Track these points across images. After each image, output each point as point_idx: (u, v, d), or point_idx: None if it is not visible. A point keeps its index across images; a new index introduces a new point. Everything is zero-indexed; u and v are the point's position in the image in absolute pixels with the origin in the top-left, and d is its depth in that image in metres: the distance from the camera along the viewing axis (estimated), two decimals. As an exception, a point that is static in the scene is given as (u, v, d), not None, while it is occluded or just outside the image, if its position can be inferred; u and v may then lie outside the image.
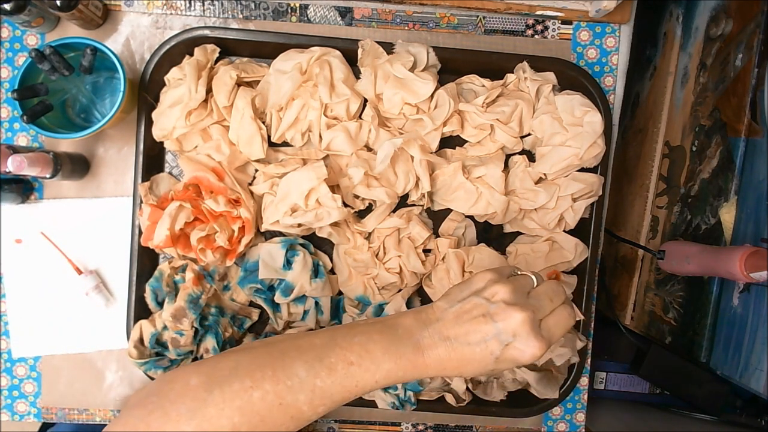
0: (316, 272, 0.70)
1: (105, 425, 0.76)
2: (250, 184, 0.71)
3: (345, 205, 0.69)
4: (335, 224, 0.69)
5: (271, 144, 0.70)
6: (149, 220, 0.67)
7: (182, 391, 0.47)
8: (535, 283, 0.51)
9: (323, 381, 0.47)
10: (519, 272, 0.53)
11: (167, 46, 0.69)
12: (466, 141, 0.72)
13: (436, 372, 0.49)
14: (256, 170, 0.71)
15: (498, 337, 0.47)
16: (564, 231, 0.72)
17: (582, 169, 0.72)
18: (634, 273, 1.06)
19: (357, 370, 0.48)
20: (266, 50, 0.70)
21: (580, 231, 0.72)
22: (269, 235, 0.72)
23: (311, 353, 0.48)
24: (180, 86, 0.67)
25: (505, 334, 0.47)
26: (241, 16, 0.74)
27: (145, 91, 0.69)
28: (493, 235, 0.75)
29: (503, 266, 0.55)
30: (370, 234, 0.71)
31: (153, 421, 0.45)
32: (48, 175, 0.66)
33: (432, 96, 0.68)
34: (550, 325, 0.49)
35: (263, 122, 0.69)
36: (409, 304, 0.71)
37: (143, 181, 0.70)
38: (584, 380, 0.79)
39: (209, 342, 0.68)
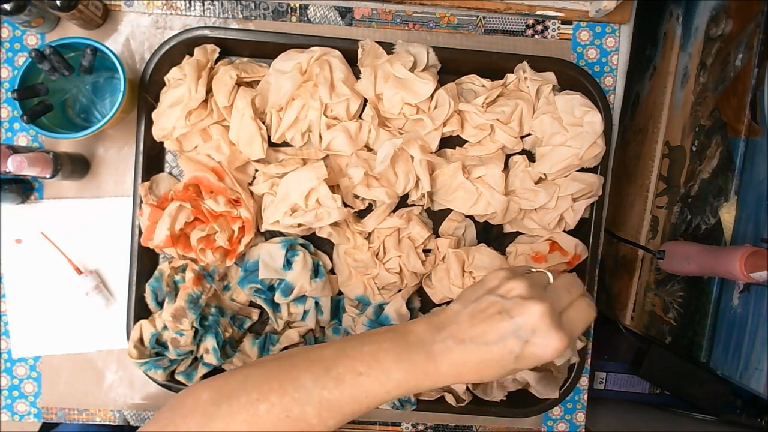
0: (316, 272, 0.70)
1: (105, 425, 0.77)
2: (250, 184, 0.71)
3: (345, 205, 0.69)
4: (335, 224, 0.69)
5: (271, 144, 0.70)
6: (149, 220, 0.67)
7: (193, 405, 0.47)
8: (551, 279, 0.49)
9: (330, 392, 0.46)
10: (534, 270, 0.51)
11: (167, 46, 0.69)
12: (466, 141, 0.72)
13: (453, 379, 0.47)
14: (256, 170, 0.71)
15: (516, 334, 0.45)
16: (564, 231, 0.72)
17: (582, 169, 0.72)
18: (634, 273, 1.06)
19: (366, 380, 0.46)
20: (266, 50, 0.70)
21: (580, 231, 0.72)
22: (269, 235, 0.72)
23: (320, 364, 0.47)
24: (180, 86, 0.67)
25: (524, 329, 0.45)
26: (241, 16, 0.74)
27: (145, 91, 0.69)
28: (493, 235, 0.75)
29: (517, 266, 0.54)
30: (370, 234, 0.71)
31: None
32: (48, 175, 0.66)
33: (432, 96, 0.68)
34: (570, 317, 0.47)
35: (263, 122, 0.69)
36: (409, 304, 0.71)
37: (143, 181, 0.70)
38: (584, 380, 0.79)
39: (209, 342, 0.68)
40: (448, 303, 0.74)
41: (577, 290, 0.49)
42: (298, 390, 0.46)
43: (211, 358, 0.68)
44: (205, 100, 0.67)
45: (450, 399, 0.72)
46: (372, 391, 0.46)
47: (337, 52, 0.69)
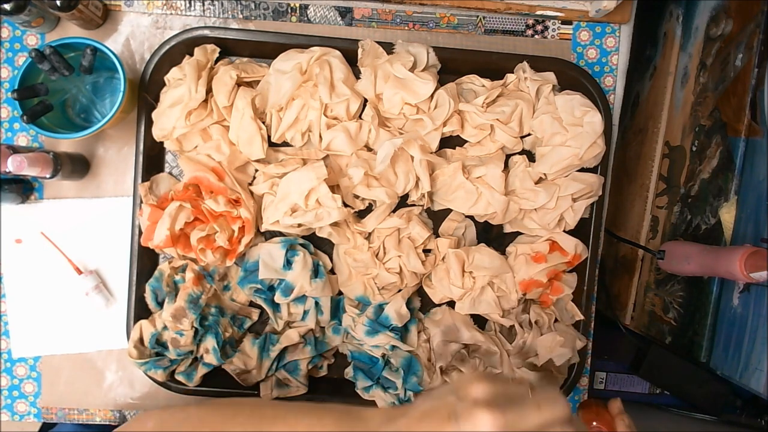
0: (316, 272, 0.70)
1: (105, 425, 0.77)
2: (250, 184, 0.71)
3: (345, 205, 0.69)
4: (335, 224, 0.69)
5: (271, 144, 0.70)
6: (149, 220, 0.67)
7: None
8: (530, 394, 0.41)
9: None
10: (513, 379, 0.44)
11: (167, 46, 0.69)
12: (466, 141, 0.72)
13: None
14: (256, 170, 0.71)
15: None
16: (564, 231, 0.72)
17: (582, 169, 0.72)
18: (634, 273, 1.06)
19: None
20: (266, 50, 0.70)
21: (580, 231, 0.72)
22: (269, 235, 0.72)
23: (255, 425, 0.47)
24: (180, 86, 0.67)
25: None
26: (241, 16, 0.74)
27: (145, 91, 0.69)
28: (493, 235, 0.75)
29: (506, 376, 0.49)
30: (370, 234, 0.71)
31: None
32: (48, 175, 0.66)
33: (432, 96, 0.68)
34: None
35: (263, 122, 0.69)
36: (409, 304, 0.71)
37: (143, 181, 0.70)
38: (584, 380, 0.79)
39: (209, 342, 0.68)
40: (448, 303, 0.74)
41: (554, 412, 0.40)
42: None
43: (211, 358, 0.68)
44: (205, 100, 0.67)
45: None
46: None
47: (337, 52, 0.69)
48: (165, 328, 0.68)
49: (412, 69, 0.67)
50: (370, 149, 0.71)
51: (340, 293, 0.73)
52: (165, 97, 0.68)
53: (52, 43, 0.63)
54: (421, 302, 0.74)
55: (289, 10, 0.74)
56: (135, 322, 0.69)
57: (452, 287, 0.71)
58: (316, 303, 0.71)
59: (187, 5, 0.73)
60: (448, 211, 0.73)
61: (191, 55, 0.68)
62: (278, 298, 0.69)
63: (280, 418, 0.47)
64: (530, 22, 0.75)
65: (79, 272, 0.73)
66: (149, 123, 0.69)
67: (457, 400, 0.40)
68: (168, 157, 0.73)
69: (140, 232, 0.69)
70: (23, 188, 0.72)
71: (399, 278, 0.70)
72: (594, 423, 0.54)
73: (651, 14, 1.09)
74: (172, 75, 0.69)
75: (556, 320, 0.74)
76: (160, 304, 0.70)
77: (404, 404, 0.49)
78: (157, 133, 0.68)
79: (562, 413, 0.40)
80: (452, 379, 0.47)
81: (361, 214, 0.72)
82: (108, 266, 0.75)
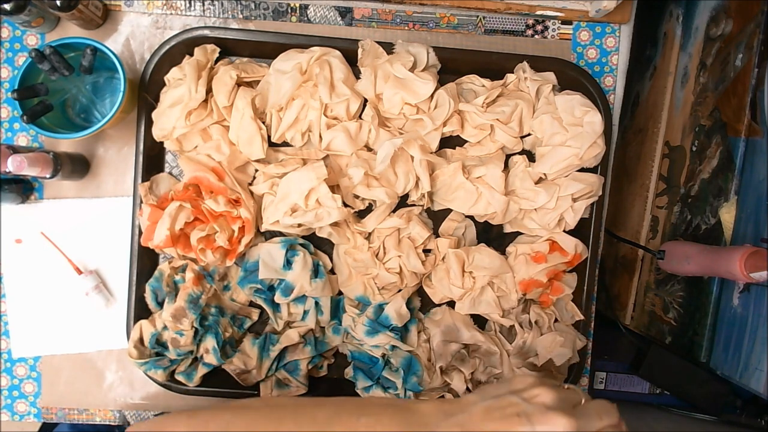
0: (316, 272, 0.70)
1: (105, 425, 0.77)
2: (250, 184, 0.71)
3: (345, 205, 0.69)
4: (335, 224, 0.69)
5: (271, 144, 0.70)
6: (149, 220, 0.67)
7: None
8: (583, 401, 0.45)
9: None
10: (567, 387, 0.46)
11: (167, 46, 0.69)
12: (466, 141, 0.72)
13: None
14: (256, 170, 0.71)
15: None
16: (564, 231, 0.72)
17: (582, 169, 0.72)
18: (634, 273, 1.06)
19: None
20: (266, 50, 0.70)
21: (580, 231, 0.72)
22: (269, 235, 0.72)
23: (309, 427, 0.44)
24: (180, 86, 0.67)
25: None
26: (241, 16, 0.74)
27: (145, 91, 0.69)
28: (493, 235, 0.75)
29: (549, 379, 0.48)
30: (370, 234, 0.71)
31: None
32: (48, 175, 0.66)
33: (432, 96, 0.68)
34: None
35: (263, 122, 0.69)
36: (409, 304, 0.71)
37: (143, 181, 0.70)
38: (584, 380, 0.79)
39: (209, 342, 0.68)
40: (448, 303, 0.74)
41: (610, 419, 0.43)
42: None
43: (211, 358, 0.68)
44: (205, 100, 0.67)
45: (450, 398, 0.72)
46: None
47: (337, 52, 0.69)
48: (165, 328, 0.68)
49: (412, 69, 0.67)
50: (370, 149, 0.71)
51: (340, 293, 0.73)
52: (165, 97, 0.68)
53: (52, 43, 0.63)
54: (421, 302, 0.74)
55: (289, 10, 0.74)
56: (135, 322, 0.69)
57: (452, 287, 0.71)
58: (316, 303, 0.71)
59: (187, 5, 0.73)
60: (448, 211, 0.73)
61: (191, 55, 0.68)
62: (278, 298, 0.69)
63: (333, 419, 0.44)
64: (530, 22, 0.75)
65: (79, 272, 0.73)
66: (149, 123, 0.69)
67: (523, 401, 0.42)
68: (168, 157, 0.73)
69: (140, 232, 0.69)
70: (23, 188, 0.72)
71: (399, 278, 0.70)
72: None
73: (651, 14, 1.09)
74: (172, 75, 0.69)
75: (556, 320, 0.74)
76: (160, 304, 0.70)
77: (451, 400, 0.46)
78: (157, 133, 0.68)
79: (616, 420, 0.44)
80: (503, 378, 0.47)
81: (361, 214, 0.72)
82: (108, 266, 0.75)
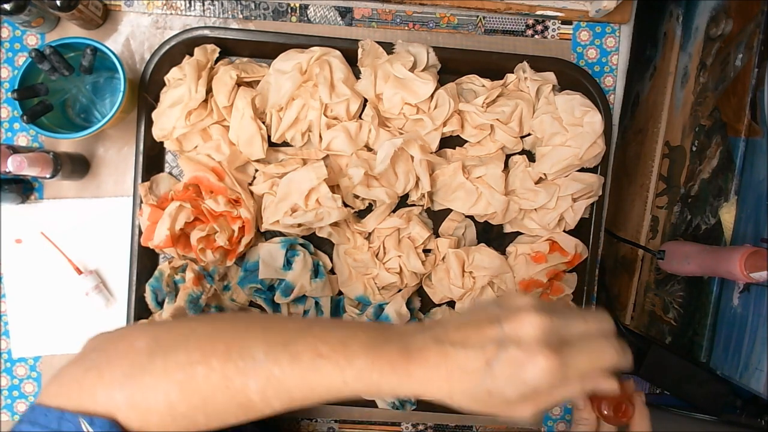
0: (316, 272, 0.70)
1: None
2: (250, 184, 0.71)
3: (345, 205, 0.69)
4: (335, 224, 0.69)
5: (271, 144, 0.70)
6: (149, 220, 0.67)
7: (124, 352, 0.41)
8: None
9: (282, 370, 0.39)
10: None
11: (167, 46, 0.69)
12: (466, 141, 0.72)
13: (419, 386, 0.39)
14: (256, 170, 0.71)
15: (499, 341, 0.38)
16: (564, 231, 0.72)
17: (582, 169, 0.72)
18: (634, 273, 1.06)
19: (325, 363, 0.39)
20: (266, 50, 0.70)
21: (580, 231, 0.72)
22: (269, 235, 0.72)
23: (278, 336, 0.41)
24: (180, 86, 0.67)
25: (509, 339, 0.38)
26: (241, 16, 0.74)
27: (145, 91, 0.69)
28: (493, 235, 0.75)
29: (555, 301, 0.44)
30: (370, 234, 0.71)
31: (86, 381, 0.41)
32: (48, 175, 0.66)
33: (432, 96, 0.68)
34: (574, 345, 0.39)
35: (263, 122, 0.69)
36: (408, 304, 0.71)
37: (143, 181, 0.70)
38: (584, 380, 0.79)
39: (209, 342, 0.68)
40: (448, 303, 0.74)
41: (598, 324, 0.40)
42: (245, 358, 0.39)
43: (211, 358, 0.68)
44: (205, 100, 0.67)
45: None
46: (327, 378, 0.39)
47: (337, 52, 0.69)
48: (165, 328, 0.68)
49: (412, 69, 0.67)
50: (370, 149, 0.71)
51: (340, 293, 0.73)
52: (165, 97, 0.68)
53: (52, 43, 0.63)
54: (421, 302, 0.74)
55: (289, 10, 0.74)
56: (135, 322, 0.69)
57: (452, 287, 0.71)
58: (316, 303, 0.71)
59: (187, 5, 0.73)
60: (448, 211, 0.73)
61: (191, 55, 0.68)
62: (278, 298, 0.69)
63: (304, 330, 0.41)
64: (530, 22, 0.75)
65: (79, 272, 0.73)
66: (149, 123, 0.69)
67: (500, 309, 0.40)
68: (168, 157, 0.73)
69: (140, 232, 0.69)
70: (23, 188, 0.72)
71: (399, 278, 0.70)
72: (603, 404, 0.54)
73: (651, 14, 1.09)
74: (172, 75, 0.69)
75: (556, 320, 0.74)
76: (160, 304, 0.70)
77: (435, 320, 0.44)
78: (157, 133, 0.68)
79: (608, 327, 0.40)
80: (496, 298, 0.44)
81: (361, 214, 0.72)
82: (108, 266, 0.75)
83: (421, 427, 0.79)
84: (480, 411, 0.40)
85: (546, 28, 0.76)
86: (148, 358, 0.41)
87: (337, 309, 0.72)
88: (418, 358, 0.39)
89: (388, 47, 0.70)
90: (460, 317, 0.42)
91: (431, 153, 0.70)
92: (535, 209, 0.71)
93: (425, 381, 0.39)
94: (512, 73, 0.72)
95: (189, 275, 0.68)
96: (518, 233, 0.74)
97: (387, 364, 0.39)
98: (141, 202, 0.69)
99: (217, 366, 0.40)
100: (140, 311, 0.70)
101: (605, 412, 0.51)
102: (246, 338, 0.41)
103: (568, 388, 0.39)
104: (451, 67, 0.71)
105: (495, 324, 0.39)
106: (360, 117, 0.71)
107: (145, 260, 0.70)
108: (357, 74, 0.71)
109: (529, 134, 0.73)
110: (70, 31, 0.72)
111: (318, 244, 0.73)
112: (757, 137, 0.82)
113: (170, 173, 0.73)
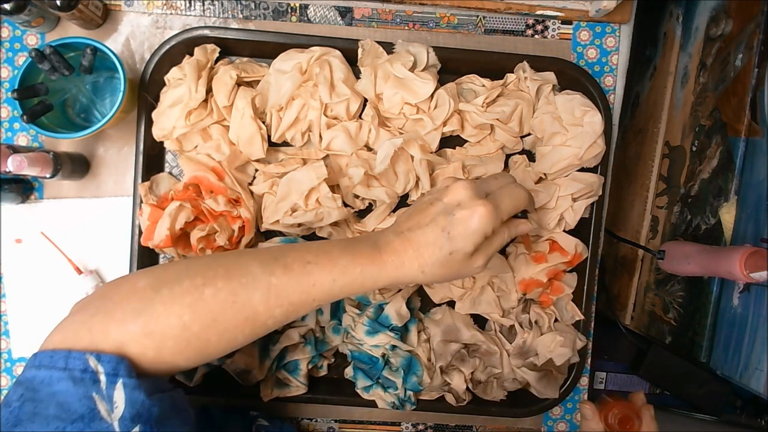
0: (316, 272, 0.70)
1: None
2: (250, 184, 0.71)
3: (345, 205, 0.69)
4: (335, 224, 0.69)
5: (271, 144, 0.70)
6: (149, 220, 0.67)
7: (128, 292, 0.44)
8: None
9: (279, 279, 0.45)
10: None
11: (167, 46, 0.69)
12: (466, 141, 0.72)
13: (395, 271, 0.48)
14: (256, 170, 0.71)
15: (445, 211, 0.48)
16: (564, 231, 0.72)
17: (582, 169, 0.72)
18: (634, 273, 1.06)
19: (314, 267, 0.46)
20: (266, 50, 0.70)
21: (580, 231, 0.72)
22: (269, 234, 0.72)
23: (267, 254, 0.47)
24: (180, 86, 0.67)
25: (450, 205, 0.48)
26: (241, 16, 0.74)
27: (145, 91, 0.69)
28: (493, 235, 0.75)
29: None
30: (370, 234, 0.71)
31: (95, 324, 0.42)
32: (48, 175, 0.66)
33: (432, 96, 0.68)
34: (496, 194, 0.50)
35: (263, 122, 0.69)
36: (408, 304, 0.71)
37: (143, 181, 0.70)
38: (584, 380, 0.79)
39: (209, 342, 0.68)
40: (448, 303, 0.74)
41: (505, 179, 0.53)
42: (245, 275, 0.44)
43: (211, 358, 0.68)
44: (205, 100, 0.67)
45: (450, 399, 0.72)
46: (319, 278, 0.46)
47: (337, 52, 0.69)
48: (165, 328, 0.68)
49: (412, 69, 0.67)
50: (370, 149, 0.71)
51: (340, 293, 0.73)
52: (165, 97, 0.68)
53: (52, 43, 0.63)
54: (421, 302, 0.74)
55: (289, 10, 0.74)
56: (135, 322, 0.69)
57: (452, 287, 0.71)
58: (316, 303, 0.71)
59: (187, 5, 0.73)
60: (448, 211, 0.73)
61: (191, 55, 0.68)
62: (278, 298, 0.69)
63: (288, 248, 0.49)
64: (530, 21, 0.75)
65: (79, 272, 0.73)
66: (149, 123, 0.69)
67: (434, 194, 0.51)
68: (168, 157, 0.73)
69: (140, 232, 0.69)
70: (23, 188, 0.72)
71: (399, 278, 0.70)
72: (610, 414, 0.54)
73: (651, 14, 1.09)
74: (172, 75, 0.69)
75: (556, 320, 0.74)
76: (160, 304, 0.70)
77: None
78: (157, 133, 0.68)
79: (511, 179, 0.54)
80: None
81: (361, 214, 0.72)
82: (108, 266, 0.75)
83: (421, 427, 0.79)
84: (447, 275, 0.50)
85: (546, 28, 0.76)
86: (154, 291, 0.43)
87: (337, 309, 0.72)
88: (387, 249, 0.49)
89: (388, 47, 0.70)
90: (405, 213, 0.52)
91: (431, 153, 0.70)
92: (535, 209, 0.71)
93: (398, 265, 0.48)
94: (512, 73, 0.72)
95: (189, 275, 0.68)
96: (518, 233, 0.74)
97: (365, 259, 0.48)
98: (141, 202, 0.69)
99: (222, 285, 0.44)
100: (140, 311, 0.70)
101: (611, 422, 0.51)
102: (240, 261, 0.46)
103: (504, 232, 0.52)
104: (451, 67, 0.71)
105: (436, 202, 0.49)
106: (360, 117, 0.71)
107: (145, 260, 0.70)
108: (357, 74, 0.71)
109: (529, 134, 0.73)
110: (70, 31, 0.72)
111: (318, 244, 0.73)
112: (757, 137, 0.82)
113: (170, 173, 0.73)
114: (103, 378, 0.40)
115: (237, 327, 0.44)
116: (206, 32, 0.69)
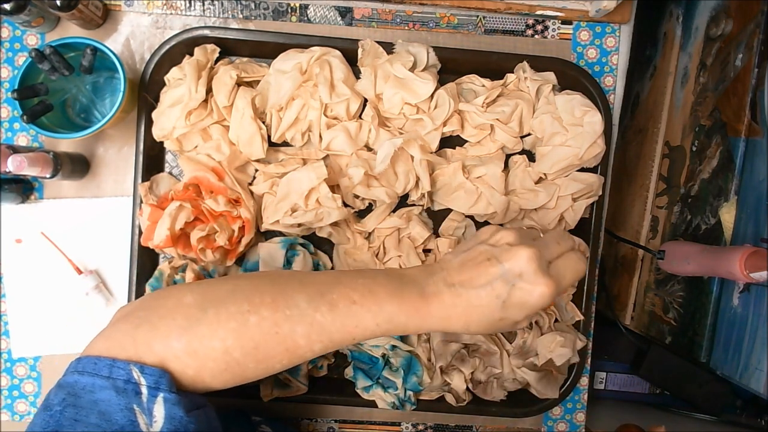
0: (316, 272, 0.70)
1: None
2: (250, 184, 0.71)
3: (345, 205, 0.69)
4: (335, 224, 0.69)
5: (271, 144, 0.70)
6: (149, 220, 0.67)
7: (174, 307, 0.44)
8: (541, 234, 0.51)
9: (323, 316, 0.45)
10: (526, 228, 0.53)
11: (167, 46, 0.69)
12: (466, 141, 0.72)
13: (440, 323, 0.47)
14: (256, 170, 0.71)
15: (504, 278, 0.45)
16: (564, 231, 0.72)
17: (582, 169, 0.72)
18: (634, 273, 1.06)
19: (359, 309, 0.45)
20: (266, 50, 0.70)
21: (580, 231, 0.72)
22: (269, 235, 0.72)
23: (313, 288, 0.46)
24: (180, 86, 0.67)
25: (511, 273, 0.45)
26: (241, 16, 0.74)
27: (145, 91, 0.69)
28: (493, 235, 0.75)
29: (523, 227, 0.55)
30: (370, 234, 0.71)
31: (140, 335, 0.43)
32: (48, 175, 0.66)
33: (432, 96, 0.68)
34: (558, 266, 0.47)
35: (263, 122, 0.69)
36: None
37: (143, 181, 0.70)
38: (584, 380, 0.79)
39: (209, 342, 0.68)
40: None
41: (567, 243, 0.49)
42: (291, 308, 0.44)
43: (211, 358, 0.68)
44: (205, 100, 0.67)
45: (450, 399, 0.72)
46: (363, 321, 0.45)
47: (337, 52, 0.69)
48: (165, 328, 0.68)
49: (412, 69, 0.67)
50: (370, 149, 0.71)
51: (340, 293, 0.73)
52: (165, 97, 0.68)
53: (52, 43, 0.63)
54: (421, 302, 0.74)
55: (289, 10, 0.74)
56: (135, 322, 0.69)
57: (452, 287, 0.70)
58: (316, 303, 0.71)
59: (187, 5, 0.73)
60: (448, 211, 0.73)
61: (191, 55, 0.68)
62: (278, 298, 0.69)
63: (334, 281, 0.47)
64: (530, 22, 0.75)
65: (79, 272, 0.73)
66: (149, 123, 0.69)
67: (490, 247, 0.47)
68: (168, 157, 0.73)
69: (140, 232, 0.69)
70: (23, 188, 0.72)
71: (399, 278, 0.70)
72: None
73: (651, 14, 1.09)
74: (172, 75, 0.69)
75: (556, 320, 0.74)
76: (160, 304, 0.70)
77: (431, 262, 0.51)
78: (157, 133, 0.68)
79: (573, 244, 0.50)
80: (470, 236, 0.52)
81: (361, 214, 0.72)
82: (108, 266, 0.75)
83: (421, 427, 0.79)
84: (489, 332, 0.49)
85: (546, 28, 0.76)
86: (200, 310, 0.44)
87: (337, 309, 0.72)
88: (436, 301, 0.46)
89: (388, 47, 0.70)
90: (456, 258, 0.49)
91: (431, 153, 0.70)
92: (535, 209, 0.71)
93: (445, 318, 0.47)
94: (512, 73, 0.72)
95: (189, 275, 0.68)
96: (518, 233, 0.74)
97: (411, 308, 0.46)
98: (141, 202, 0.69)
99: (267, 315, 0.44)
100: (140, 311, 0.70)
101: None
102: (287, 291, 0.46)
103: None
104: (451, 67, 0.71)
105: (494, 262, 0.46)
106: (360, 117, 0.71)
107: (145, 260, 0.70)
108: (357, 74, 0.71)
109: (529, 134, 0.73)
110: (70, 31, 0.72)
111: (318, 243, 0.73)
112: (757, 137, 0.82)
113: (170, 173, 0.73)
114: (144, 390, 0.41)
115: (276, 357, 0.45)
116: (206, 32, 0.69)
